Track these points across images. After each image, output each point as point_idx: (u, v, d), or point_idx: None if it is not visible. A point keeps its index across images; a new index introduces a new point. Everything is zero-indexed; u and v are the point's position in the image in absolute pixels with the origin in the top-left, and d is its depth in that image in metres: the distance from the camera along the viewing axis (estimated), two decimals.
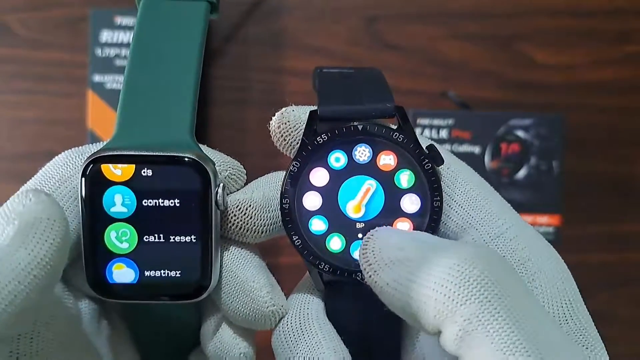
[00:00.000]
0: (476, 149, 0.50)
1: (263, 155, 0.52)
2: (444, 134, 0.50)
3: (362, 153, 0.21)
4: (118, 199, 0.20)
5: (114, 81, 0.50)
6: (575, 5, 0.54)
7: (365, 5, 0.54)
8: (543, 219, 0.50)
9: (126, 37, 0.50)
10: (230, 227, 0.21)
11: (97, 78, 0.50)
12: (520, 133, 0.50)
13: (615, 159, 0.55)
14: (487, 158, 0.50)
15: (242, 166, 0.22)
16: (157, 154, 0.20)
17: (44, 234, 0.16)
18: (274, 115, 0.22)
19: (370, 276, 0.18)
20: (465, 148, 0.50)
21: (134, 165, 0.19)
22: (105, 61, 0.50)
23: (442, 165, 0.21)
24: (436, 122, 0.50)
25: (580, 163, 0.54)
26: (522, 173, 0.50)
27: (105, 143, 0.21)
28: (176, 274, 0.20)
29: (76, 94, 0.52)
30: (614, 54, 0.55)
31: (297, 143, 0.21)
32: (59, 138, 0.53)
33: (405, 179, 0.21)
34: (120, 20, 0.50)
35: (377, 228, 0.20)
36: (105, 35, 0.50)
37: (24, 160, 0.53)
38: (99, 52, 0.50)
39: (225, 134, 0.54)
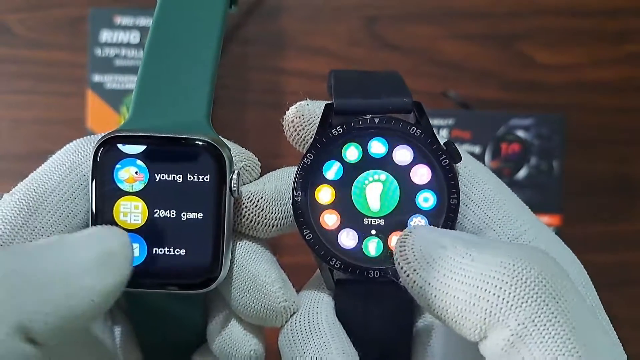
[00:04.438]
0: (476, 149, 0.50)
1: (263, 155, 0.52)
2: (444, 134, 0.50)
3: (378, 147, 0.20)
4: (129, 171, 0.19)
5: (114, 81, 0.50)
6: (576, 5, 0.54)
7: (365, 5, 0.54)
8: (543, 219, 0.50)
9: (126, 37, 0.50)
10: (242, 219, 0.21)
11: (96, 78, 0.49)
12: (521, 133, 0.50)
13: (615, 159, 0.55)
14: (487, 158, 0.50)
15: (257, 159, 0.22)
16: (172, 135, 0.19)
17: (117, 266, 0.17)
18: (288, 109, 0.21)
19: (408, 275, 0.17)
20: (465, 148, 0.50)
21: (147, 146, 0.19)
22: (104, 61, 0.49)
23: (459, 164, 0.20)
24: (436, 122, 0.50)
25: (580, 163, 0.54)
26: (522, 173, 0.50)
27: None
28: (185, 259, 0.19)
29: (76, 94, 0.52)
30: (614, 54, 0.55)
31: (311, 138, 0.21)
32: (58, 138, 0.53)
33: (421, 174, 0.20)
34: (120, 20, 0.49)
35: (414, 225, 0.19)
36: (105, 35, 0.49)
37: (23, 160, 0.53)
38: (98, 52, 0.49)
39: (225, 134, 0.53)
